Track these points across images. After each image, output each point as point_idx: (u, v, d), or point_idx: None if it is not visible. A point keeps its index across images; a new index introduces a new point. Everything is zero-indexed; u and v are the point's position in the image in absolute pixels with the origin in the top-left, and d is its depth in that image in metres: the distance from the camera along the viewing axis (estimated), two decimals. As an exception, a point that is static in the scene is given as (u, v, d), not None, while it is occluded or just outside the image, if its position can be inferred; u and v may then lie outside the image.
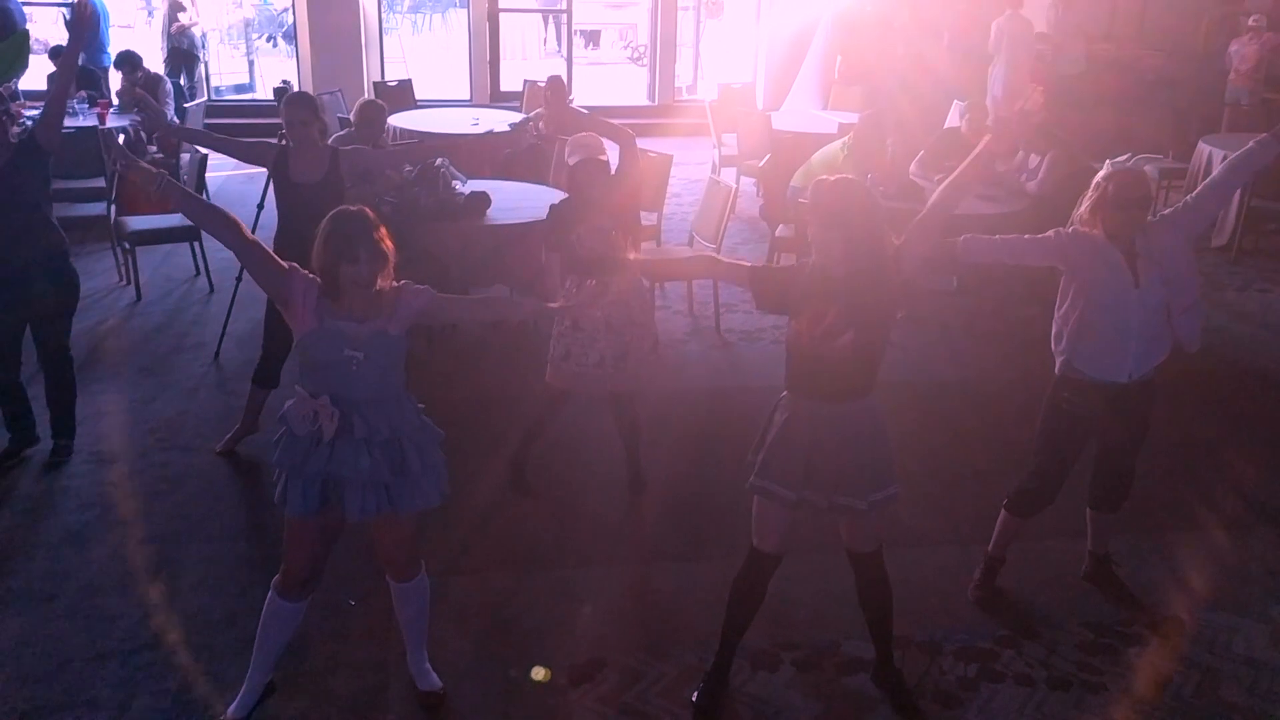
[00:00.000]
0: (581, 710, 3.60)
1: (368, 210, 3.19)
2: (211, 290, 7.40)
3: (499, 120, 8.49)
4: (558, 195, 7.22)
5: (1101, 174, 3.70)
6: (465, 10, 13.31)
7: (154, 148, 8.88)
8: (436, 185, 6.67)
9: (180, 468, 5.08)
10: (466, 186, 6.82)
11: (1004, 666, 3.84)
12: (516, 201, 6.77)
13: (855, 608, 3.64)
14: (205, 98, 12.05)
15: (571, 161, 4.62)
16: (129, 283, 7.40)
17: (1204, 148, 8.92)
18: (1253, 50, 11.07)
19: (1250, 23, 11.34)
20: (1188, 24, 12.08)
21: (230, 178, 10.05)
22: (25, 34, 6.13)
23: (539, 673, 3.74)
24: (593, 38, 18.22)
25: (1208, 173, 8.65)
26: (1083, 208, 3.74)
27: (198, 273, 7.66)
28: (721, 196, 6.74)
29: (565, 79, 9.09)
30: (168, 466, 5.09)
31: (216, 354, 6.35)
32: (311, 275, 3.15)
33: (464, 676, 3.71)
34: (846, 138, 7.64)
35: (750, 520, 3.51)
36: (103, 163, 7.88)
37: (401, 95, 10.34)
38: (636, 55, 17.38)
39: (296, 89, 9.36)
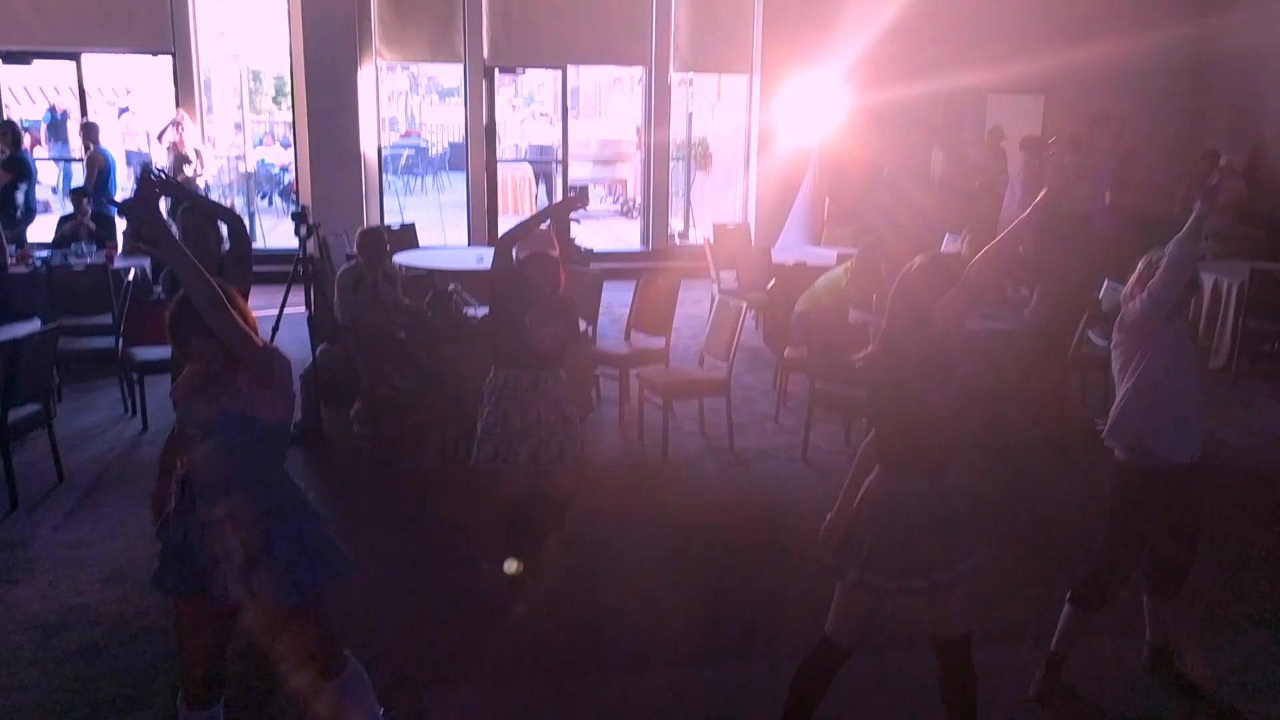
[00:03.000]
0: None
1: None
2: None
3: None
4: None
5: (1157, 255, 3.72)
6: (451, 174, 13.67)
7: (159, 288, 8.92)
8: (449, 309, 6.75)
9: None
10: (478, 312, 6.89)
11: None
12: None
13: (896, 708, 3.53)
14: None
15: (522, 255, 4.66)
16: (135, 414, 7.32)
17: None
18: (1235, 186, 11.48)
19: (1222, 163, 11.80)
20: (1171, 176, 12.55)
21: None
22: None
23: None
24: (581, 193, 18.74)
25: (1203, 298, 8.88)
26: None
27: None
28: (732, 316, 6.81)
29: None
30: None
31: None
32: None
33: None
34: (848, 264, 7.82)
35: (788, 617, 3.43)
36: (110, 299, 7.91)
37: (405, 237, 10.52)
38: (625, 210, 17.83)
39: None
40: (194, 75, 12.29)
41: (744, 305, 6.81)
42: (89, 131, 11.07)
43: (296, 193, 17.00)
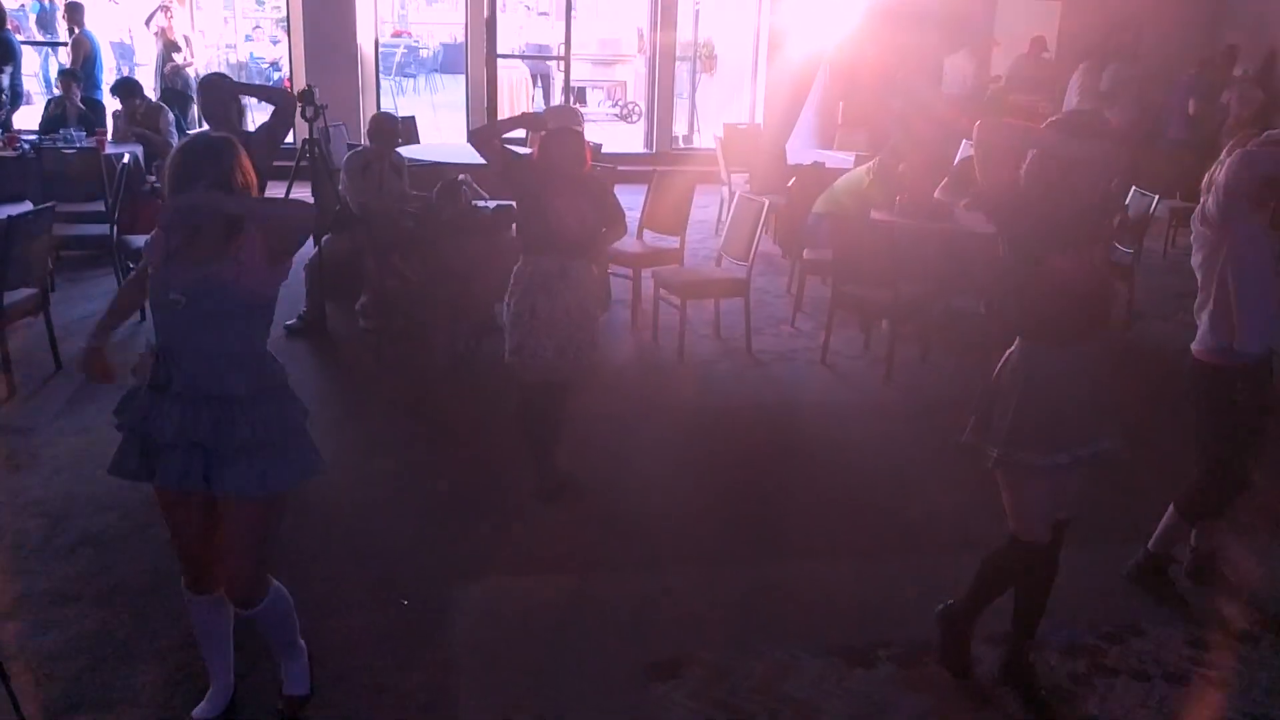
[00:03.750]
0: (672, 706, 3.29)
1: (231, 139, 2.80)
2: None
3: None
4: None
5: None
6: (444, 76, 13.23)
7: (153, 177, 8.61)
8: (458, 200, 6.50)
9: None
10: (488, 205, 6.66)
11: (1114, 662, 3.58)
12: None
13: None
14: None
15: (550, 128, 4.40)
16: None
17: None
18: (1254, 97, 11.21)
19: (1238, 73, 11.53)
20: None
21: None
22: None
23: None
24: (579, 95, 18.24)
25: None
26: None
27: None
28: (753, 214, 6.58)
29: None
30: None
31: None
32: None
33: (544, 673, 3.41)
34: (870, 163, 7.57)
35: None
36: (104, 185, 7.61)
37: (406, 131, 10.18)
38: (625, 113, 17.40)
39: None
40: (183, -42, 11.80)
41: (765, 203, 6.57)
42: (74, 13, 10.60)
43: (290, 88, 16.63)
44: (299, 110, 6.02)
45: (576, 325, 4.29)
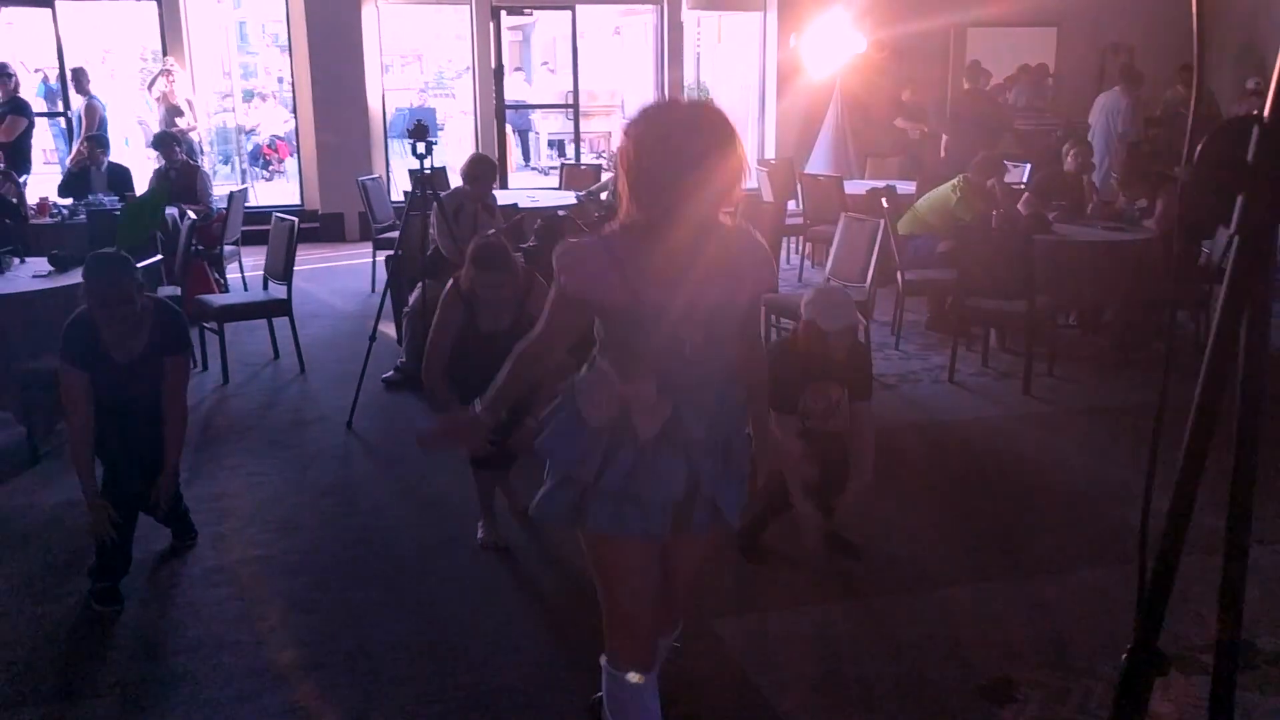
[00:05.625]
0: (1031, 730, 3.02)
1: None
2: (302, 370, 6.70)
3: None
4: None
5: None
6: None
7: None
8: (564, 239, 6.23)
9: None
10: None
11: None
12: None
13: None
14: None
15: (829, 328, 3.69)
16: (205, 367, 6.67)
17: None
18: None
19: (1250, 86, 11.77)
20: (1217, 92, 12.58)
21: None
22: (166, 188, 5.52)
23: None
24: (560, 148, 18.18)
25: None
26: None
27: (277, 355, 6.96)
28: (866, 233, 6.41)
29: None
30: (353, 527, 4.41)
31: (349, 423, 5.68)
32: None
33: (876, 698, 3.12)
34: (956, 181, 7.49)
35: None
36: (159, 247, 7.21)
37: (435, 180, 9.92)
38: (609, 164, 17.30)
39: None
40: (181, 22, 11.45)
41: (881, 223, 6.40)
42: (80, 78, 10.19)
43: (270, 157, 16.24)
44: (411, 149, 5.75)
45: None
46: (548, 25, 18.22)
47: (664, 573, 2.50)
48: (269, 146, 16.43)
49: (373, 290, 9.07)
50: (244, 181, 13.77)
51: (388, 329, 7.69)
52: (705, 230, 2.20)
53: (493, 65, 12.14)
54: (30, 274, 5.81)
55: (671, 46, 12.67)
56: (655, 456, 2.27)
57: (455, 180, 10.48)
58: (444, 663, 3.39)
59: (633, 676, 2.43)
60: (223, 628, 3.63)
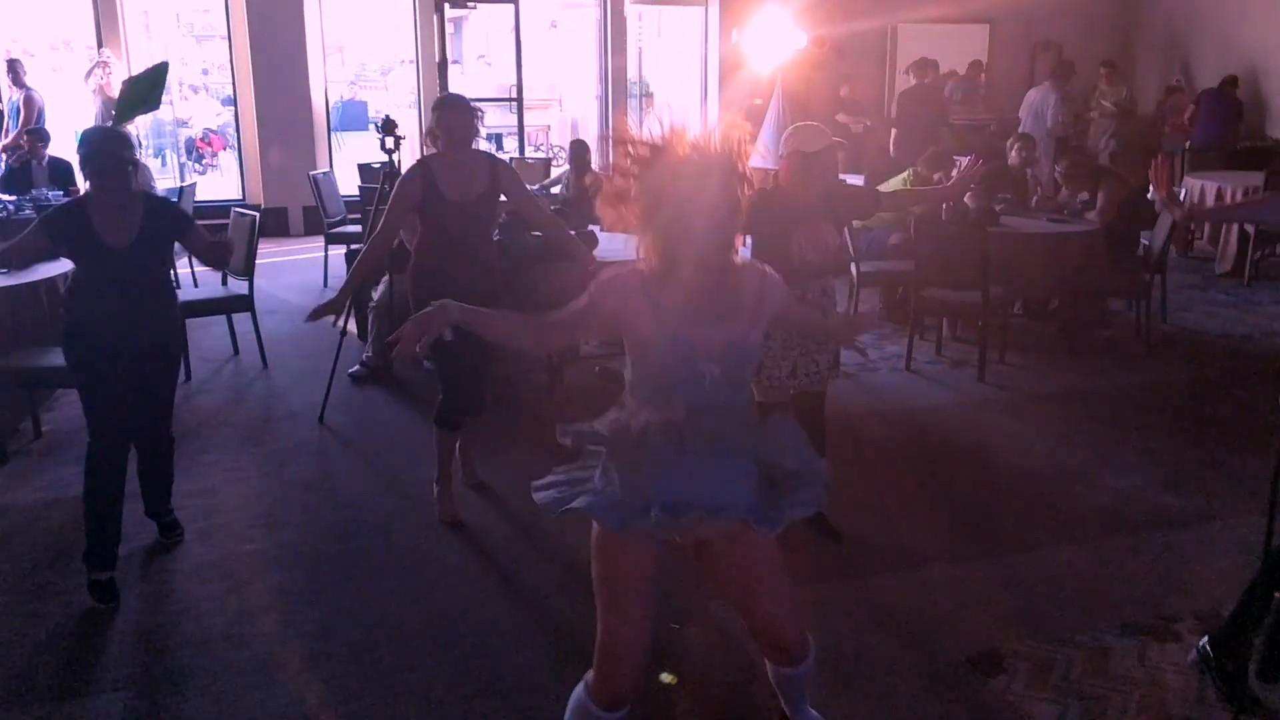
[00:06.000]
0: (1018, 698, 3.19)
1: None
2: (265, 365, 6.66)
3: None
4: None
5: None
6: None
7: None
8: (523, 231, 6.29)
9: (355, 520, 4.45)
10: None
11: None
12: (606, 243, 6.45)
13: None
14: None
15: (812, 149, 3.97)
16: (237, 352, 6.67)
17: (1193, 182, 9.44)
18: (1182, 105, 11.88)
19: (1175, 82, 12.25)
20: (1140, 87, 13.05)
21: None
22: (164, 67, 5.49)
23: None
24: (498, 142, 18.14)
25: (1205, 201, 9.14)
26: None
27: (236, 351, 6.91)
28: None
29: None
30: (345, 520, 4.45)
31: (321, 417, 5.69)
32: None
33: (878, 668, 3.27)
34: (906, 174, 7.70)
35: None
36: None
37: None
38: (550, 156, 17.31)
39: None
40: (118, 14, 11.22)
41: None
42: (16, 69, 9.94)
43: (204, 150, 15.96)
44: (380, 143, 5.78)
45: (819, 346, 4.12)
46: (482, 18, 18.18)
47: (744, 589, 2.56)
48: (202, 139, 16.16)
49: (325, 285, 9.02)
50: (182, 176, 13.51)
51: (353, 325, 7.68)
52: (720, 271, 2.35)
53: (436, 59, 12.08)
54: (-15, 272, 5.70)
55: (615, 40, 12.73)
56: (714, 464, 2.37)
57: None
58: (453, 650, 3.46)
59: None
60: (222, 622, 3.66)
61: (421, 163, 4.40)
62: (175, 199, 8.29)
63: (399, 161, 5.79)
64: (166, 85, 5.09)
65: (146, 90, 4.82)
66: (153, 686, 3.28)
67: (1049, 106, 11.34)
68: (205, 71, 17.46)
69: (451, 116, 4.35)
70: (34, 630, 3.62)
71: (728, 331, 2.35)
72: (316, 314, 4.10)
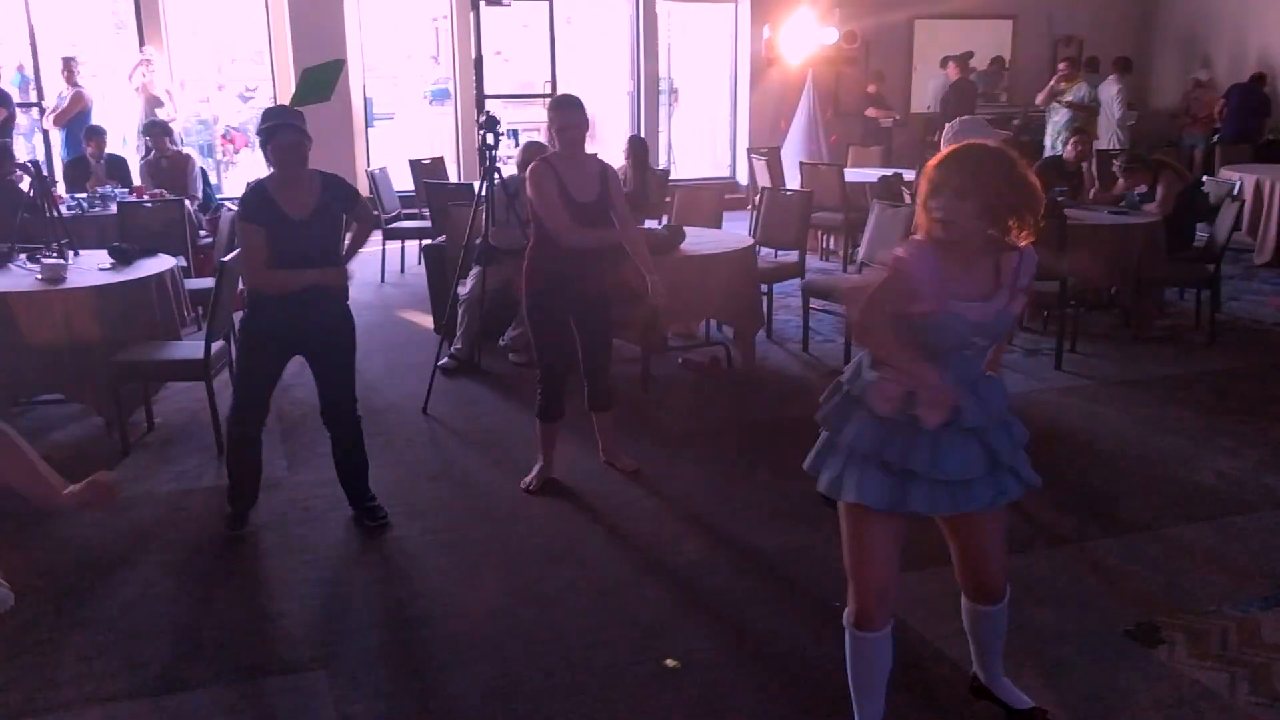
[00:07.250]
0: (1192, 669, 3.34)
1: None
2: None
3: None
4: (717, 234, 7.11)
5: None
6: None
7: (204, 231, 8.16)
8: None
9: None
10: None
11: None
12: (694, 238, 6.60)
13: None
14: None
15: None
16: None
17: (1233, 175, 9.65)
18: (1209, 100, 12.10)
19: (1204, 78, 12.47)
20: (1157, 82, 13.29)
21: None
22: (339, 64, 5.72)
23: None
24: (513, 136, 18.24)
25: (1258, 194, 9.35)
26: None
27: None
28: (902, 221, 6.71)
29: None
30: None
31: (425, 408, 5.81)
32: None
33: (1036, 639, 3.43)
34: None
35: None
36: (187, 237, 7.19)
37: (434, 170, 10.13)
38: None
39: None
40: (159, 11, 11.28)
41: (916, 208, 6.70)
42: (70, 66, 10.00)
43: (225, 148, 15.96)
44: (479, 141, 5.90)
45: None
46: (499, 14, 18.19)
47: (973, 549, 2.80)
48: (225, 137, 16.18)
49: (382, 280, 9.13)
50: (218, 173, 13.56)
51: (420, 319, 7.81)
52: (990, 250, 2.56)
53: (473, 55, 12.17)
54: (96, 266, 5.79)
55: (646, 37, 12.86)
56: (948, 443, 2.58)
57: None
58: (633, 627, 3.59)
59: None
60: (399, 603, 3.78)
61: (545, 161, 4.53)
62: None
63: (496, 157, 5.91)
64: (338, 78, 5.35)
65: (323, 81, 5.06)
66: (350, 661, 3.40)
67: (1114, 99, 11.49)
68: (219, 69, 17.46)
69: (573, 115, 4.48)
70: (207, 611, 3.75)
71: (994, 305, 2.55)
72: None
